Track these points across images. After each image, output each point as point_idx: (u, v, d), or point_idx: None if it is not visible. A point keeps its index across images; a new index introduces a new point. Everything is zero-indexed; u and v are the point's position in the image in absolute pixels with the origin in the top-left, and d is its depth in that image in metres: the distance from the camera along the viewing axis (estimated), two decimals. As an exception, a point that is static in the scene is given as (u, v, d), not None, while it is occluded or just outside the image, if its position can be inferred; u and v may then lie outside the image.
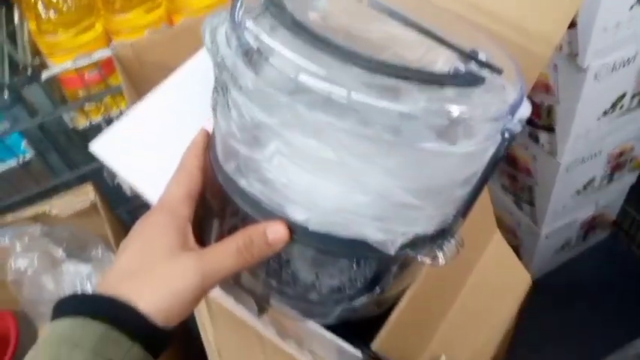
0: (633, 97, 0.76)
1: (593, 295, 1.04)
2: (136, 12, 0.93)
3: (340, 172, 0.33)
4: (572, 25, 0.64)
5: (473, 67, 0.35)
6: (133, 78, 0.74)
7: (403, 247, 0.36)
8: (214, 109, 0.37)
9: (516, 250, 1.06)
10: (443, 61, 0.36)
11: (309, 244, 0.35)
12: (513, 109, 0.35)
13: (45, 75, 0.94)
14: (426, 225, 0.37)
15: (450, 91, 0.33)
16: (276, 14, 0.32)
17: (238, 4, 0.33)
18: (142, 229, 0.37)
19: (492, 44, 0.40)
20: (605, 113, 0.75)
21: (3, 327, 0.76)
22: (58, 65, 0.96)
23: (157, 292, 0.33)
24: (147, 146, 0.46)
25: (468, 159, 0.35)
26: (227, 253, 0.35)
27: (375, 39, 0.37)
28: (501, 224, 1.06)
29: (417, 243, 0.37)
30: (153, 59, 0.75)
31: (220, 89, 0.35)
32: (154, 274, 0.34)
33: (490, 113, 0.33)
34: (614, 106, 0.74)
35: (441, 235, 0.38)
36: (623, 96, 0.74)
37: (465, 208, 0.37)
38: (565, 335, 0.95)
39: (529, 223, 0.96)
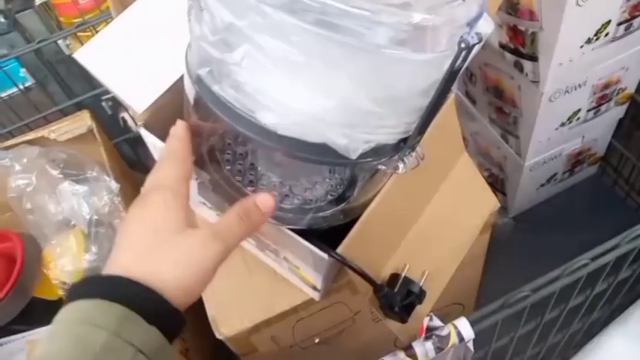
0: (619, 24, 0.74)
1: (563, 232, 1.04)
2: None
3: (307, 76, 0.35)
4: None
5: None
6: (126, 3, 0.74)
7: (365, 154, 0.38)
8: (189, 13, 0.38)
9: (502, 183, 1.08)
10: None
11: (278, 148, 0.37)
12: (472, 21, 0.36)
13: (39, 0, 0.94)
14: (388, 135, 0.39)
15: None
16: None
17: None
18: (142, 209, 0.36)
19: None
20: (588, 41, 0.73)
21: (10, 247, 0.80)
22: (51, -9, 0.97)
23: (176, 268, 0.33)
24: (128, 54, 0.47)
25: (427, 67, 0.36)
26: (233, 220, 0.37)
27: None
28: (489, 158, 1.07)
29: (379, 152, 0.39)
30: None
31: (194, -8, 0.37)
32: (169, 250, 0.34)
33: (449, 23, 0.35)
34: (598, 33, 0.73)
35: (403, 146, 0.40)
36: (607, 23, 0.72)
37: (425, 120, 0.39)
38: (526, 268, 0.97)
39: (514, 155, 0.96)
